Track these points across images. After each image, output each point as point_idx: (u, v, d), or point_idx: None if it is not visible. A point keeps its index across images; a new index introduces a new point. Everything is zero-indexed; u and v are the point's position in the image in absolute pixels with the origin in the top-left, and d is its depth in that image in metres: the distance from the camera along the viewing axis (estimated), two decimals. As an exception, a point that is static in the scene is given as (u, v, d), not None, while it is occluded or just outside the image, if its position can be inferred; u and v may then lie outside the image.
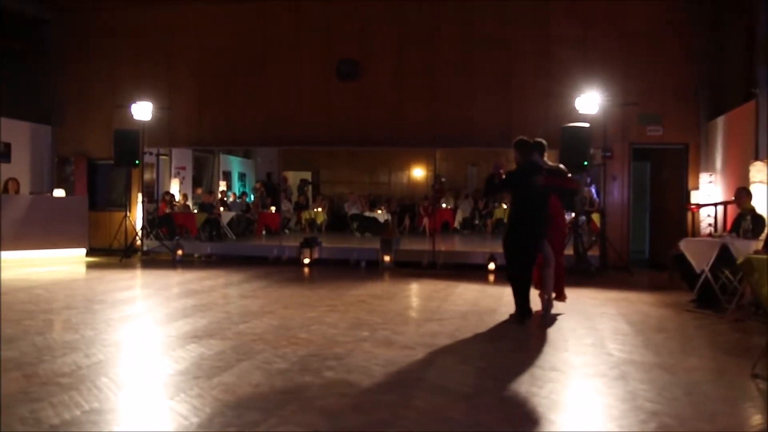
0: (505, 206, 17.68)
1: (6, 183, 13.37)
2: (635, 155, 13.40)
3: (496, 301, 8.67)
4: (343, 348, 5.72)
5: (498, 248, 12.44)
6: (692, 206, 12.27)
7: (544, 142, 7.51)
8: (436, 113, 13.89)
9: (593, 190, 13.62)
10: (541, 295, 7.62)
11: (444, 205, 18.00)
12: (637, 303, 8.64)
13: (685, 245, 8.29)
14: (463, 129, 13.73)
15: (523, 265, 7.21)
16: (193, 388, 4.46)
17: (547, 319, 7.32)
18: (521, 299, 7.18)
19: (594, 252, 12.46)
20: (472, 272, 11.81)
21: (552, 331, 6.67)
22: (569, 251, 11.96)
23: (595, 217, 13.15)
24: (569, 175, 7.62)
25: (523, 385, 4.68)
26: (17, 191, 13.41)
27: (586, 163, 11.50)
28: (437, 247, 12.93)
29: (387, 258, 12.49)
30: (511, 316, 7.32)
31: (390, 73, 14.21)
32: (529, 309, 7.19)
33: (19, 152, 14.87)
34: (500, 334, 6.52)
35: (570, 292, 9.43)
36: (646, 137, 13.17)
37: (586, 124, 11.72)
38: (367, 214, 18.10)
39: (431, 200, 16.63)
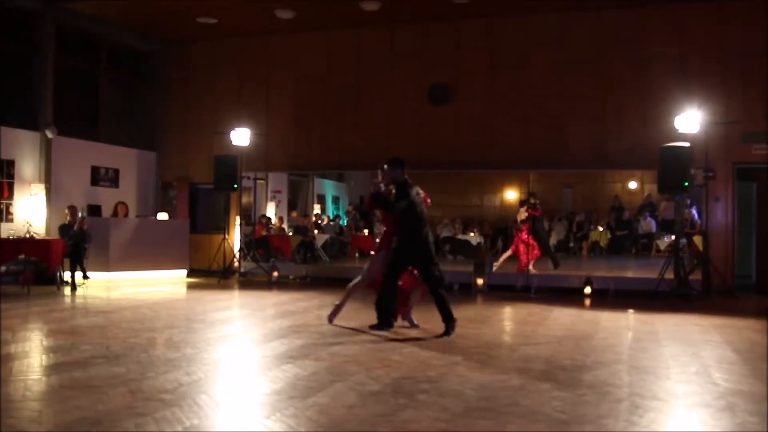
0: (601, 228, 17.23)
1: (116, 207, 14.06)
2: (740, 175, 12.82)
3: (593, 326, 8.44)
4: (435, 371, 5.70)
5: (594, 271, 12.15)
6: (803, 229, 11.63)
7: None
8: (529, 135, 13.72)
9: (694, 212, 13.11)
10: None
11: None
12: (744, 330, 8.23)
13: (796, 269, 7.87)
14: (557, 151, 13.50)
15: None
16: (289, 408, 4.53)
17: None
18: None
19: (696, 276, 11.96)
20: (567, 296, 11.56)
21: (653, 359, 6.44)
22: (669, 274, 11.56)
23: (697, 239, 12.65)
24: None
25: (622, 414, 4.52)
26: (126, 214, 14.08)
27: (686, 183, 11.14)
28: (531, 271, 12.73)
29: (480, 281, 12.39)
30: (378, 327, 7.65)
31: (482, 95, 14.16)
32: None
33: (127, 178, 15.70)
34: (598, 360, 6.32)
35: (671, 318, 9.12)
36: (751, 156, 12.55)
37: (686, 144, 11.34)
38: (459, 236, 18.01)
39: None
